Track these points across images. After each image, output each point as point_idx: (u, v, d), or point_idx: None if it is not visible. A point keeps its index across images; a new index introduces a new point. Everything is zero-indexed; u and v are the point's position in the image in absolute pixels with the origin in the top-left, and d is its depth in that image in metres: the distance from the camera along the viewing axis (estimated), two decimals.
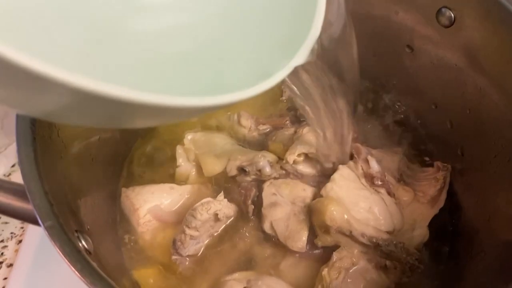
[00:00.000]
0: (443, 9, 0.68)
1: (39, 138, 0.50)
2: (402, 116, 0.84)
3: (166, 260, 0.69)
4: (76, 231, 0.49)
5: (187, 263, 0.69)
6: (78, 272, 0.40)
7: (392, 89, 0.86)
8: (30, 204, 0.44)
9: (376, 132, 0.82)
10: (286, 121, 0.84)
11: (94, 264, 0.42)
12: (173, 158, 0.78)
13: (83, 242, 0.49)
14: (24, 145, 0.48)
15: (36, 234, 0.82)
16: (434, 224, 0.72)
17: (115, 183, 0.75)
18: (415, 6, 0.72)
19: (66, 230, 0.44)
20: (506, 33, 0.61)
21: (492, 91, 0.66)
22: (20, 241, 0.84)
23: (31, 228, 0.84)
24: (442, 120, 0.78)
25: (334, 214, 0.68)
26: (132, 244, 0.70)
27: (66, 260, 0.40)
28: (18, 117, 0.50)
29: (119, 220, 0.72)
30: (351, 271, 0.67)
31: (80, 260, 0.41)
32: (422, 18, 0.72)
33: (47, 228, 0.42)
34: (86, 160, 0.67)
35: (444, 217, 0.73)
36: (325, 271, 0.67)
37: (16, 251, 0.83)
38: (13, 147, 0.80)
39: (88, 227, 0.61)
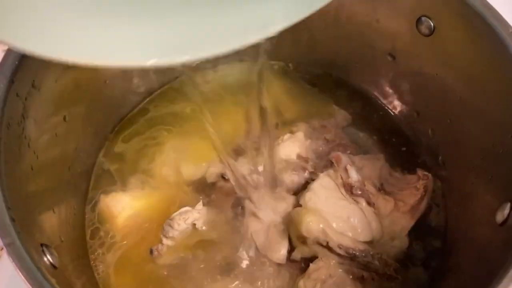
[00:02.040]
0: (423, 18, 0.67)
1: (6, 150, 0.50)
2: (385, 123, 0.83)
3: (143, 270, 0.69)
4: (42, 245, 0.49)
5: (164, 272, 0.69)
6: None
7: (374, 96, 0.85)
8: None
9: (358, 139, 0.81)
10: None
11: (53, 281, 0.42)
12: (150, 162, 0.77)
13: (48, 257, 0.48)
14: None
15: None
16: (414, 234, 0.71)
17: (88, 190, 0.74)
18: (395, 15, 0.71)
19: (27, 247, 0.43)
20: (484, 42, 0.60)
21: (472, 100, 0.66)
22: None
23: None
24: (424, 128, 0.78)
25: (310, 225, 0.67)
26: (108, 253, 0.69)
27: (24, 278, 0.40)
28: None
29: (94, 229, 0.71)
30: (327, 282, 0.66)
31: (38, 278, 0.41)
32: (402, 26, 0.71)
33: (6, 246, 0.42)
34: (62, 169, 0.67)
35: (424, 226, 0.72)
36: (301, 282, 0.66)
37: None
38: None
39: (63, 239, 0.61)
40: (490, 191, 0.61)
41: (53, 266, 0.48)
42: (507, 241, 0.52)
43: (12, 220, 0.44)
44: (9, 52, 0.54)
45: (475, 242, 0.62)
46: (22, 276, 0.40)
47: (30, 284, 0.40)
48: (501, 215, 0.55)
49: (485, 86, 0.62)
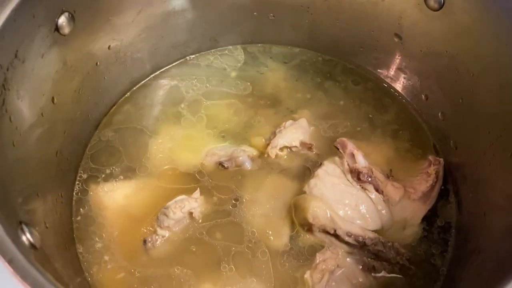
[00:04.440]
0: None
1: None
2: (393, 107, 0.79)
3: (135, 263, 0.63)
4: (21, 222, 0.44)
5: (159, 264, 0.64)
6: (8, 264, 0.35)
7: (380, 80, 0.81)
8: None
9: (365, 124, 0.77)
10: None
11: (32, 257, 0.37)
12: (144, 150, 0.73)
13: (28, 236, 0.44)
14: None
15: None
16: (427, 222, 0.67)
17: (77, 179, 0.70)
18: None
19: (2, 219, 0.39)
20: (499, 11, 0.57)
21: (486, 76, 0.62)
22: None
23: None
24: (433, 111, 0.74)
25: (316, 211, 0.63)
26: (97, 244, 0.64)
27: None
28: None
29: (82, 219, 0.66)
30: (335, 273, 0.61)
31: (10, 251, 0.36)
32: (410, 2, 0.68)
33: None
34: (48, 152, 0.62)
35: (438, 214, 0.68)
36: (307, 274, 0.61)
37: None
38: None
39: (47, 225, 0.56)
40: (509, 170, 0.57)
41: (32, 245, 0.43)
42: None
43: None
44: None
45: (495, 226, 0.57)
46: None
47: (4, 259, 0.35)
48: None
49: (501, 58, 0.58)
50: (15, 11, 0.51)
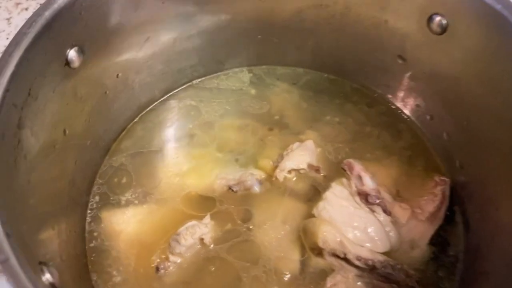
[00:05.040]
0: (434, 16, 0.65)
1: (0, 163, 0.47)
2: (398, 127, 0.80)
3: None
4: (40, 263, 0.45)
5: None
6: None
7: (385, 101, 0.82)
8: None
9: (371, 145, 0.77)
10: None
11: None
12: (154, 175, 0.74)
13: (48, 276, 0.45)
14: None
15: None
16: (434, 243, 0.67)
17: (89, 207, 0.71)
18: (405, 14, 0.69)
19: (24, 264, 0.40)
20: (501, 37, 0.58)
21: (490, 100, 0.63)
22: None
23: None
24: (438, 132, 0.74)
25: (326, 236, 0.64)
26: (111, 272, 0.65)
27: None
28: None
29: (95, 247, 0.67)
30: None
31: None
32: (413, 26, 0.69)
33: (1, 263, 0.38)
34: (61, 184, 0.63)
35: (445, 234, 0.69)
36: None
37: None
38: None
39: (63, 257, 0.57)
40: None
41: (52, 286, 0.44)
42: None
43: (7, 235, 0.41)
44: (4, 58, 0.51)
45: (503, 248, 0.58)
46: None
47: None
48: None
49: (504, 83, 0.59)
50: (28, 50, 0.52)
